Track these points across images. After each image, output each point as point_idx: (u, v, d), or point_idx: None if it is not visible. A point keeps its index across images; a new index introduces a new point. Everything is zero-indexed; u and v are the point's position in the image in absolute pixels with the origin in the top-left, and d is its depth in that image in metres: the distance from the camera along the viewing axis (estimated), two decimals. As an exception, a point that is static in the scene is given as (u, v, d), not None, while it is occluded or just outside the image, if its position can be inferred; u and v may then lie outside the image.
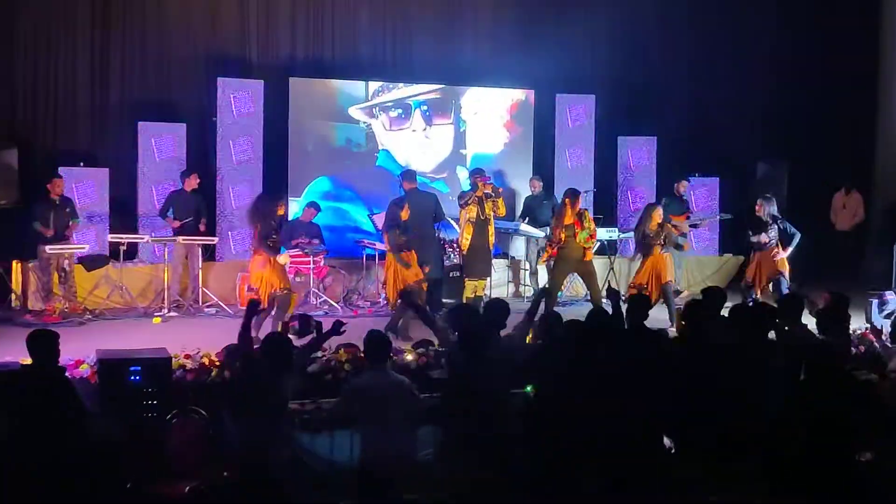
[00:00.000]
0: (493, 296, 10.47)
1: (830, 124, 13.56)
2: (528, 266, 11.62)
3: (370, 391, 5.36)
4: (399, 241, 8.83)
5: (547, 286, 9.25)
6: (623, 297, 9.93)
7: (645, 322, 6.23)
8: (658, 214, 9.60)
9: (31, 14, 11.20)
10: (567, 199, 9.44)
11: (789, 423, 5.02)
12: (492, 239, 9.62)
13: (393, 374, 5.70)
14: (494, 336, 5.87)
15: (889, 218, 12.43)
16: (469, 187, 9.81)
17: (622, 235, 11.90)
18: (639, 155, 12.85)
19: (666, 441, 5.32)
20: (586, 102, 12.71)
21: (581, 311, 6.46)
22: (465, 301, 9.32)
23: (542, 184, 11.80)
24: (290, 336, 6.74)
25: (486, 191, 9.46)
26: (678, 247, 10.64)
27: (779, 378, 5.43)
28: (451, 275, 10.05)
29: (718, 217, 12.01)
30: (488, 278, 10.00)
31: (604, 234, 11.51)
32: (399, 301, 8.69)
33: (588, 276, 9.58)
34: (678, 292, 10.18)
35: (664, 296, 9.45)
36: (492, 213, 9.55)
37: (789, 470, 4.85)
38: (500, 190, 9.79)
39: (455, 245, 10.44)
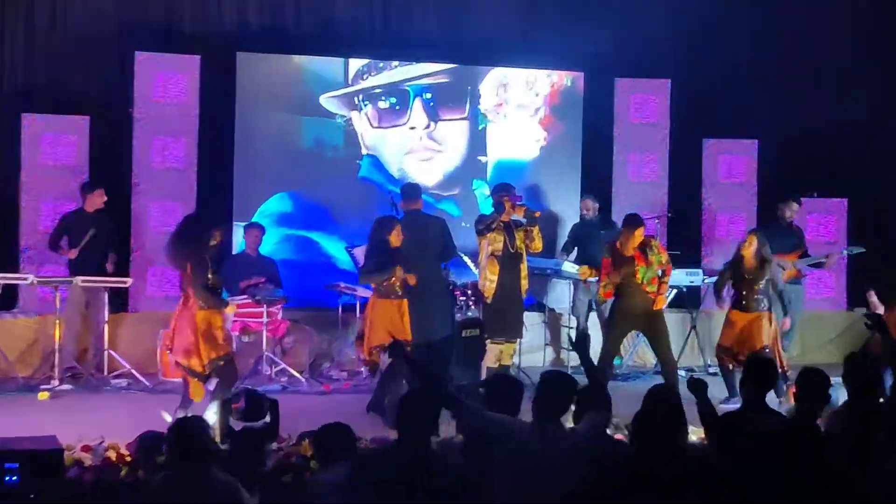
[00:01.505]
0: (524, 364, 10.64)
1: None
2: (572, 322, 11.63)
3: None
4: (391, 280, 8.87)
5: (601, 350, 9.26)
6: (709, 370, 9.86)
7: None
8: (754, 243, 9.65)
9: None
10: (624, 228, 9.52)
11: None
12: (524, 283, 9.63)
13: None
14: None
15: None
16: (492, 209, 9.84)
17: (708, 280, 11.80)
18: (733, 165, 12.92)
19: None
20: (658, 90, 12.83)
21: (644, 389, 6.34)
22: (485, 371, 9.33)
23: (598, 206, 11.87)
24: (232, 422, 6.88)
25: (515, 215, 9.50)
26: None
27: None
28: (465, 334, 9.83)
29: (846, 252, 11.95)
30: (519, 340, 9.99)
31: (682, 277, 11.50)
32: (381, 360, 8.88)
33: (658, 336, 9.57)
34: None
35: None
36: (524, 247, 9.58)
37: None
38: (537, 214, 9.81)
39: (469, 292, 10.43)
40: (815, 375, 6.15)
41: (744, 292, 9.62)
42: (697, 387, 6.18)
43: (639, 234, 9.42)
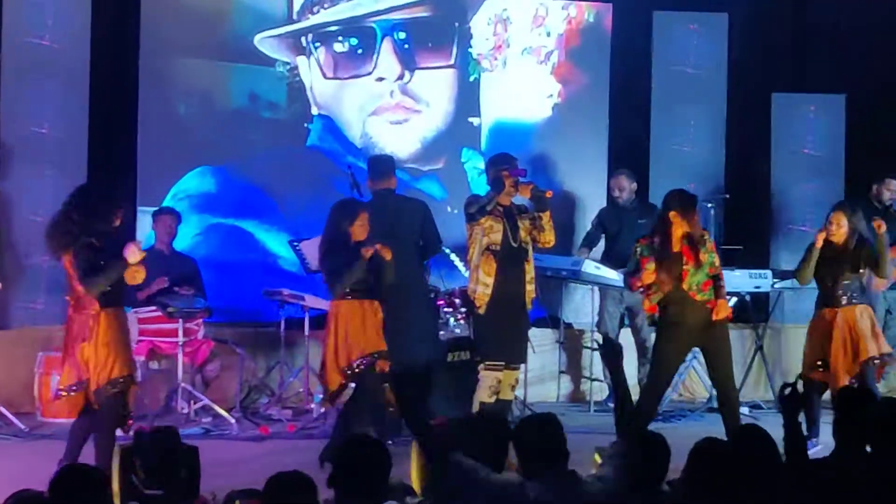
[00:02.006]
0: (532, 398, 10.90)
1: None
2: (596, 342, 11.59)
3: None
4: (349, 280, 8.94)
5: (647, 381, 9.37)
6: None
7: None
8: (843, 223, 9.65)
9: None
10: (673, 212, 9.24)
11: None
12: (531, 288, 9.56)
13: None
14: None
15: None
16: (488, 188, 9.74)
17: (779, 285, 11.74)
18: (813, 128, 12.95)
19: None
20: (712, 27, 13.02)
21: (700, 431, 6.28)
22: (478, 407, 9.31)
23: (635, 186, 11.86)
24: (134, 480, 6.78)
25: (520, 196, 9.54)
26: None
27: None
28: (451, 358, 10.06)
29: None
30: (523, 365, 9.98)
31: (745, 281, 11.42)
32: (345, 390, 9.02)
33: (719, 355, 9.38)
34: None
35: (864, 383, 9.43)
36: (530, 240, 9.55)
37: None
38: (549, 194, 9.75)
39: (458, 301, 10.62)
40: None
41: (830, 283, 9.67)
42: (790, 404, 6.21)
43: (696, 215, 9.29)
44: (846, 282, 9.59)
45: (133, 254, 8.15)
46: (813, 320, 9.80)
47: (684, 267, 9.11)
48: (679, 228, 9.16)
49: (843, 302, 9.56)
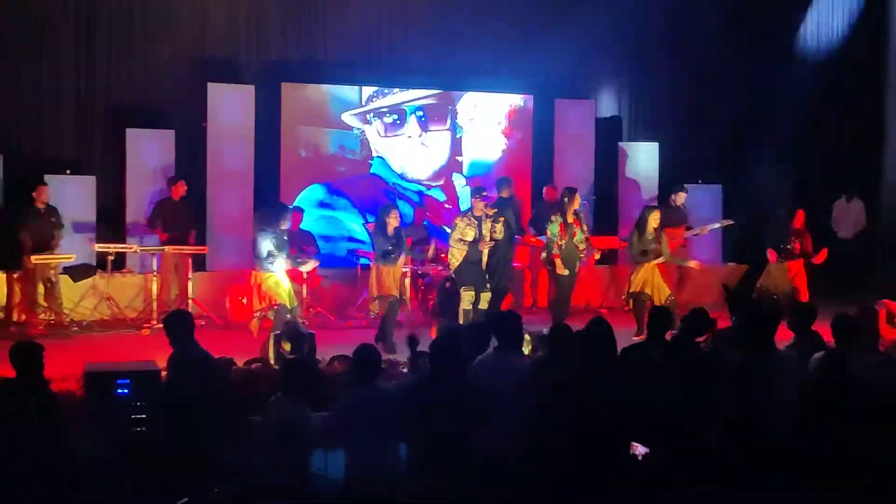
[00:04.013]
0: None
1: (836, 130, 13.63)
2: (529, 276, 11.64)
3: (360, 410, 5.10)
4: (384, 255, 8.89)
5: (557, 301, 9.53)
6: (625, 308, 9.90)
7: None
8: (655, 218, 9.55)
9: (14, 19, 11.11)
10: (569, 196, 9.56)
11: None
12: (485, 259, 9.40)
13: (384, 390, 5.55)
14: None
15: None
16: (469, 206, 9.70)
17: (623, 244, 11.56)
18: (640, 162, 12.88)
19: (640, 448, 5.13)
20: (585, 107, 12.84)
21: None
22: (462, 314, 9.17)
23: (557, 192, 11.33)
24: (281, 351, 7.09)
25: (486, 212, 9.35)
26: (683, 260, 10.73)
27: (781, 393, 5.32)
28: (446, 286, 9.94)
29: (719, 224, 11.94)
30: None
31: (606, 242, 11.65)
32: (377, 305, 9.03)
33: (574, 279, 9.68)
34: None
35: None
36: (489, 234, 9.36)
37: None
38: (501, 219, 9.52)
39: (442, 255, 10.35)
40: (700, 313, 5.99)
41: (646, 250, 9.54)
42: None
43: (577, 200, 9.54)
44: (654, 246, 9.56)
45: (308, 266, 8.69)
46: (638, 266, 9.60)
47: (576, 230, 9.37)
48: (570, 210, 9.45)
49: (652, 261, 9.55)
